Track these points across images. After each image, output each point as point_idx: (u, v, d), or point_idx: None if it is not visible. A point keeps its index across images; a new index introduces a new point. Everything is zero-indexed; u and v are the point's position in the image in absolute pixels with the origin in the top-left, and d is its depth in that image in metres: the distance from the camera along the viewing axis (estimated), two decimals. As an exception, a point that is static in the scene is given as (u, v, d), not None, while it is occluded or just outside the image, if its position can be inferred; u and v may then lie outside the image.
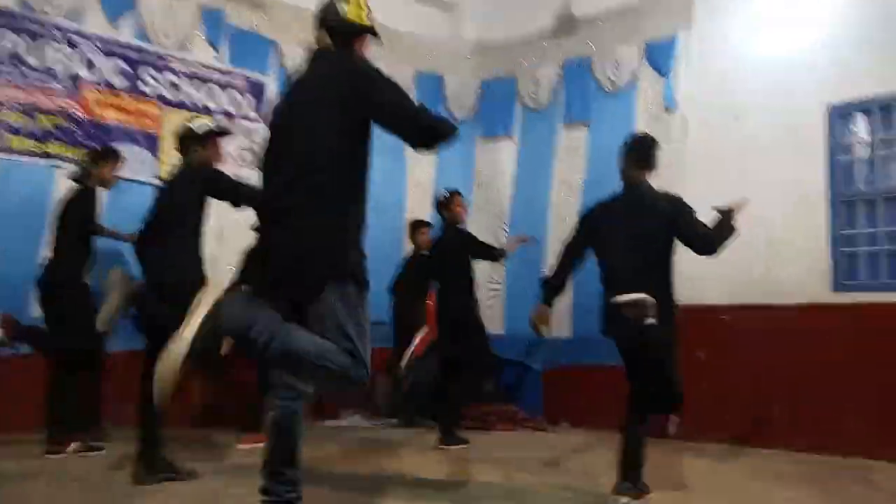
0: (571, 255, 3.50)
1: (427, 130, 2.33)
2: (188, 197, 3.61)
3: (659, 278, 3.17)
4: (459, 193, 5.13)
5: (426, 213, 6.46)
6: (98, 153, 4.53)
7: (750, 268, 5.00)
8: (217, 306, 2.09)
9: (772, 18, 5.26)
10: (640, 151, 3.37)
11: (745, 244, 4.79)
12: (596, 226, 3.41)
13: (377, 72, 2.34)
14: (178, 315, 2.11)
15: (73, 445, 4.05)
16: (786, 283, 4.89)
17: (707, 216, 3.22)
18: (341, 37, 2.44)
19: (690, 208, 3.23)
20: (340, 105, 2.26)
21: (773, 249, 4.97)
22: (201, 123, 3.83)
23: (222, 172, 3.78)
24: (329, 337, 2.20)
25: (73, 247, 4.23)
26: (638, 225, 3.22)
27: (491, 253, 5.17)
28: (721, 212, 3.20)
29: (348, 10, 2.44)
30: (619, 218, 3.30)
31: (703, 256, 3.20)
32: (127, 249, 4.55)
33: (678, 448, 4.54)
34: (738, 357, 4.94)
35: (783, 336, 4.78)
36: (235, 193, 3.71)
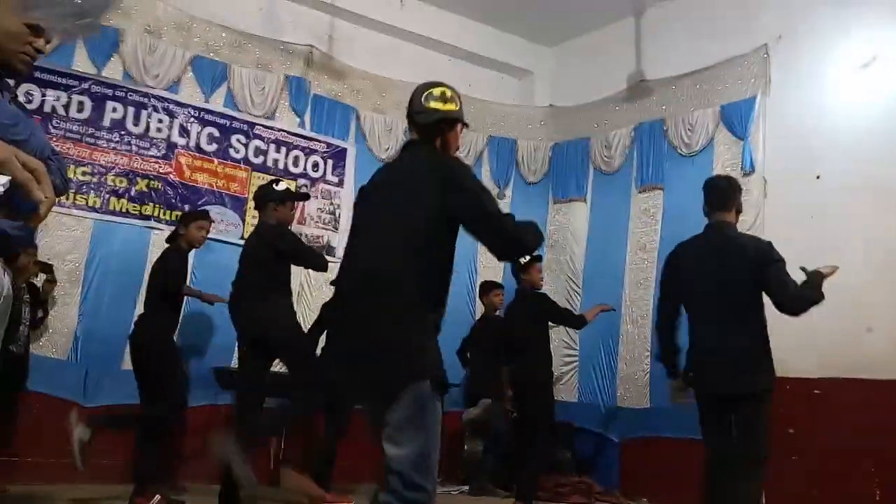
0: (668, 312, 3.40)
1: (510, 243, 2.29)
2: (266, 253, 3.81)
3: (750, 327, 3.07)
4: (539, 259, 5.12)
5: (497, 274, 6.48)
6: (187, 214, 4.72)
7: (838, 336, 4.75)
8: None
9: (853, 79, 5.15)
10: (717, 191, 3.33)
11: (831, 310, 4.61)
12: (679, 267, 3.34)
13: (467, 169, 2.34)
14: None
15: (155, 499, 4.14)
16: (881, 354, 4.61)
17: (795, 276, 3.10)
18: (426, 129, 2.39)
19: (781, 257, 3.10)
20: (425, 199, 2.21)
21: (860, 316, 4.71)
22: (283, 184, 4.08)
23: (291, 233, 4.00)
24: (393, 455, 2.04)
25: (161, 307, 4.36)
26: (721, 266, 3.13)
27: (574, 321, 5.12)
28: (809, 273, 3.07)
29: (432, 102, 2.40)
30: (701, 260, 3.23)
31: (787, 315, 3.08)
32: (215, 311, 4.76)
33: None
34: (833, 434, 4.64)
35: (881, 412, 4.48)
36: (300, 254, 3.94)
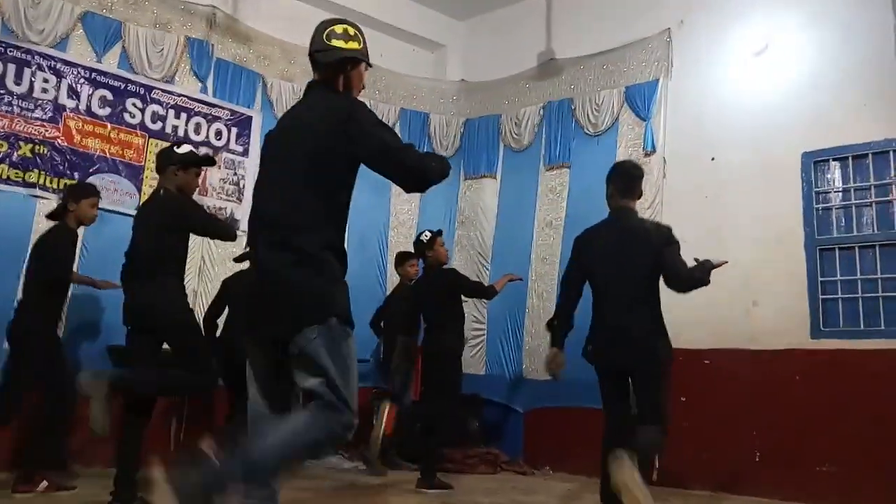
0: (570, 289, 3.52)
1: (413, 171, 2.22)
2: (163, 223, 3.53)
3: (649, 307, 3.27)
4: (440, 233, 5.13)
5: (408, 248, 6.47)
6: (75, 188, 4.36)
7: (729, 310, 5.05)
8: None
9: (749, 65, 5.42)
10: (625, 179, 3.46)
11: (722, 285, 4.88)
12: (586, 251, 3.47)
13: (363, 106, 2.28)
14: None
15: (42, 484, 3.91)
16: (765, 328, 4.94)
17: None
18: (327, 68, 2.34)
19: (677, 242, 3.32)
20: (324, 139, 2.20)
21: (750, 291, 5.02)
22: (185, 147, 3.74)
23: (194, 202, 3.73)
24: (307, 386, 2.08)
25: (45, 293, 4.04)
26: (626, 251, 3.30)
27: (483, 291, 5.20)
28: (701, 262, 3.26)
29: (334, 41, 2.34)
30: (607, 244, 3.38)
31: (674, 292, 3.31)
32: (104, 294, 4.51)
33: (660, 494, 4.51)
34: (721, 402, 4.95)
35: (764, 381, 4.82)
36: (208, 224, 3.71)
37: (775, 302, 4.95)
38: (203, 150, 5.72)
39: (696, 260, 3.26)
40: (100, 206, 4.36)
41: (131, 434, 3.47)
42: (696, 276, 3.22)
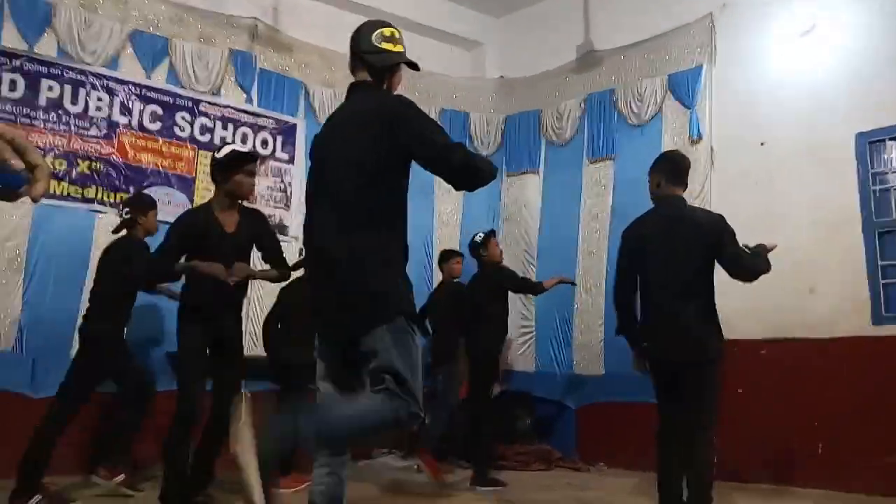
0: (625, 283, 3.44)
1: (462, 170, 2.23)
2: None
3: (702, 299, 3.18)
4: (494, 233, 5.18)
5: (454, 245, 6.50)
6: (139, 202, 4.41)
7: (785, 299, 4.92)
8: (260, 455, 1.94)
9: (796, 46, 5.27)
10: (674, 165, 3.39)
11: (775, 274, 4.76)
12: (635, 243, 3.38)
13: (413, 106, 2.30)
14: None
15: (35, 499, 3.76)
16: (823, 315, 4.80)
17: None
18: (380, 70, 2.39)
19: (732, 230, 3.22)
20: (375, 139, 2.22)
21: (803, 278, 4.88)
22: (226, 148, 3.56)
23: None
24: (380, 378, 2.14)
25: (120, 301, 4.15)
26: (676, 241, 3.21)
27: (532, 287, 5.22)
28: (753, 248, 3.19)
29: (384, 44, 2.40)
30: (656, 235, 3.29)
31: (740, 282, 3.21)
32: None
33: (721, 489, 4.43)
34: (780, 393, 4.83)
35: (825, 370, 4.69)
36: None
37: (833, 288, 4.81)
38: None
39: (747, 247, 3.18)
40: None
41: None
42: (759, 265, 3.14)
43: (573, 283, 5.47)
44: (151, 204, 4.40)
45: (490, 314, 4.96)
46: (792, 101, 5.21)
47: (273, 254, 3.72)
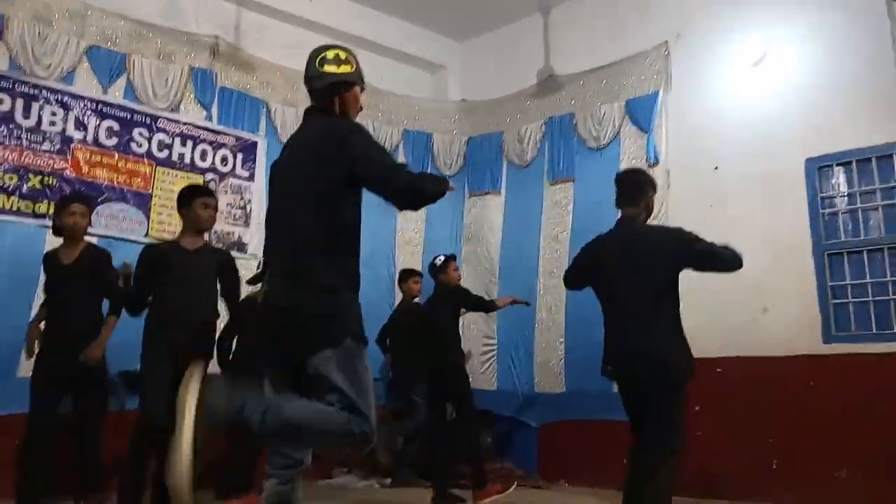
0: (575, 278, 3.55)
1: (404, 191, 2.24)
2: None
3: (665, 319, 3.13)
4: (454, 258, 5.22)
5: (416, 266, 6.50)
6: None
7: (739, 317, 5.04)
8: (202, 401, 1.97)
9: (747, 75, 5.46)
10: (621, 186, 3.41)
11: (732, 293, 4.89)
12: (595, 258, 3.38)
13: (358, 128, 2.31)
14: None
15: None
16: (776, 334, 4.92)
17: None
18: (322, 93, 2.41)
19: (695, 235, 3.23)
20: (323, 162, 2.24)
21: (760, 298, 5.01)
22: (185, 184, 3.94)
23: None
24: (328, 398, 2.13)
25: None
26: (633, 259, 3.18)
27: (484, 305, 5.26)
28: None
29: (326, 66, 2.40)
30: (614, 256, 3.26)
31: (730, 272, 3.21)
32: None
33: (677, 501, 4.47)
34: (735, 410, 4.92)
35: (778, 387, 4.79)
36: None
37: (785, 308, 4.94)
38: (209, 177, 5.78)
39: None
40: (108, 234, 4.43)
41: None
42: (733, 252, 3.16)
43: (527, 304, 5.50)
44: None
45: (452, 332, 4.99)
46: (744, 127, 5.38)
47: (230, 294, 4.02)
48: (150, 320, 3.79)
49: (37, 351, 4.05)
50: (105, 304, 4.13)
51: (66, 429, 4.01)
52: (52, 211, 5.02)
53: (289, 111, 6.31)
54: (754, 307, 5.03)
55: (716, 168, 5.48)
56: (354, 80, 2.45)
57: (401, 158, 6.90)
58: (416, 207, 2.37)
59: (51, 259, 4.14)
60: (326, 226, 2.24)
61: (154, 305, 3.83)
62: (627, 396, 3.25)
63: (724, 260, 3.17)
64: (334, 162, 2.23)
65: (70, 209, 4.12)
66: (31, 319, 4.23)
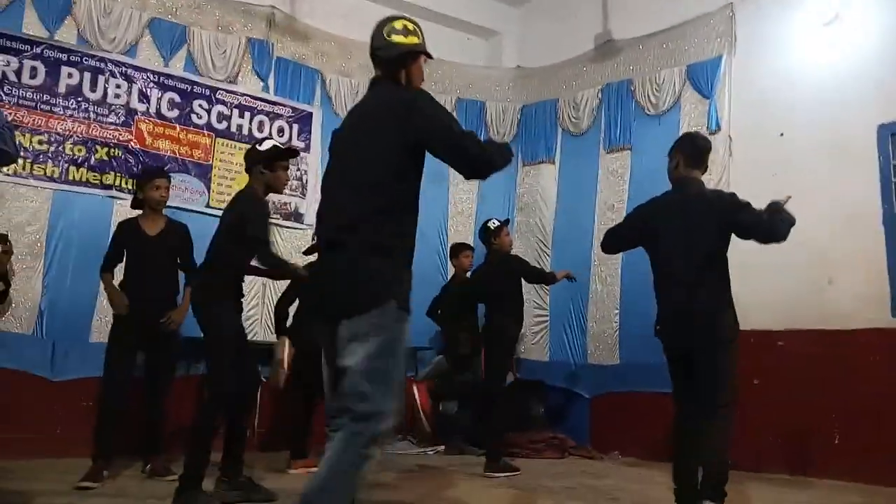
0: (615, 242, 3.56)
1: (476, 159, 2.25)
2: (230, 229, 3.52)
3: (714, 281, 3.13)
4: (507, 223, 5.23)
5: (468, 237, 6.52)
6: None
7: (801, 290, 4.89)
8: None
9: (818, 36, 5.20)
10: (693, 147, 3.36)
11: (793, 264, 4.74)
12: (648, 222, 3.36)
13: (427, 98, 2.32)
14: None
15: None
16: (841, 307, 4.76)
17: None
18: (389, 63, 2.41)
19: (746, 201, 3.18)
20: (390, 132, 2.25)
21: (824, 270, 4.85)
22: (268, 143, 3.69)
23: (260, 216, 3.49)
24: (347, 364, 2.12)
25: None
26: (689, 220, 3.18)
27: (544, 277, 5.26)
28: (769, 204, 3.14)
29: (394, 36, 2.41)
30: (670, 217, 3.26)
31: (774, 243, 3.13)
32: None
33: (736, 478, 4.41)
34: (796, 384, 4.81)
35: (841, 362, 4.65)
36: (260, 250, 3.47)
37: (851, 281, 4.76)
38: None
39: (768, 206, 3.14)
40: (171, 204, 4.56)
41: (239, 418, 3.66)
42: (785, 218, 3.07)
43: (575, 280, 5.43)
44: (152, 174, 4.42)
45: (506, 300, 4.96)
46: (812, 92, 5.15)
47: None
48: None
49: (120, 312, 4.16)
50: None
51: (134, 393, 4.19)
52: (118, 182, 5.23)
53: (343, 81, 6.35)
54: (819, 279, 4.86)
55: (781, 134, 5.28)
56: (421, 51, 2.45)
57: (454, 128, 6.88)
58: (484, 176, 2.38)
59: (133, 229, 4.22)
60: (388, 192, 2.23)
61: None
62: (674, 358, 3.24)
63: (765, 231, 3.11)
64: (402, 129, 2.24)
65: (155, 183, 4.26)
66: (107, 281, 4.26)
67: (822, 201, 4.89)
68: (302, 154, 6.15)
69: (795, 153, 5.16)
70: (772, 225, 3.09)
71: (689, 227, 3.16)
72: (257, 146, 3.68)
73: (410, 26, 2.45)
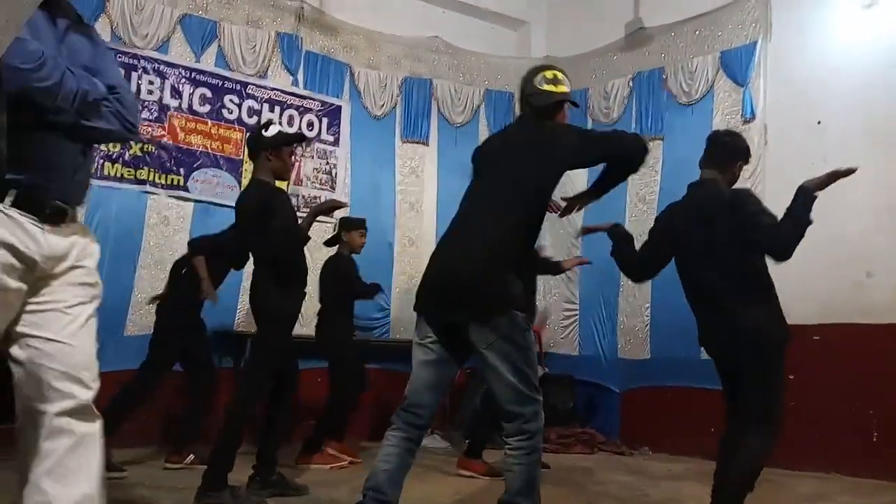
0: (645, 256, 3.24)
1: (630, 157, 2.60)
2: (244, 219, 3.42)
3: (748, 286, 2.86)
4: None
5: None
6: (348, 221, 4.89)
7: (839, 283, 4.77)
8: None
9: (857, 20, 5.04)
10: (708, 145, 3.10)
11: (831, 257, 4.62)
12: (665, 232, 3.12)
13: (568, 128, 2.62)
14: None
15: (190, 457, 4.20)
16: (881, 300, 4.63)
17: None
18: (540, 110, 2.63)
19: (754, 200, 2.89)
20: (539, 159, 2.49)
21: (862, 263, 4.72)
22: (273, 128, 3.50)
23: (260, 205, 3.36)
24: (502, 372, 2.34)
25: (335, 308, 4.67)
26: (706, 233, 2.91)
27: (551, 267, 5.17)
28: (802, 189, 2.83)
29: (546, 86, 2.64)
30: (686, 226, 3.00)
31: (777, 260, 2.83)
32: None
33: (770, 476, 4.33)
34: (833, 380, 4.69)
35: (880, 357, 4.53)
36: (244, 237, 3.46)
37: (891, 274, 4.62)
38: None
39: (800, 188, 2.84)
40: (202, 199, 4.63)
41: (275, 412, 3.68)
42: (793, 224, 2.73)
43: (589, 263, 5.31)
44: (358, 224, 4.83)
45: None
46: (851, 79, 5.00)
47: None
48: None
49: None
50: None
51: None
52: (152, 177, 5.31)
53: (371, 74, 6.35)
54: (857, 272, 4.74)
55: (818, 123, 5.14)
56: (568, 99, 2.69)
57: (482, 119, 6.84)
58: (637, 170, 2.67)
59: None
60: (521, 215, 2.47)
61: None
62: (718, 368, 3.07)
63: (769, 236, 2.78)
64: (550, 158, 2.49)
65: (361, 231, 4.83)
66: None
67: (861, 192, 4.72)
68: (331, 148, 6.18)
69: (833, 142, 5.01)
70: (774, 237, 2.76)
71: (708, 238, 2.90)
72: (263, 131, 3.49)
73: (560, 76, 2.67)
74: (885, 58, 4.85)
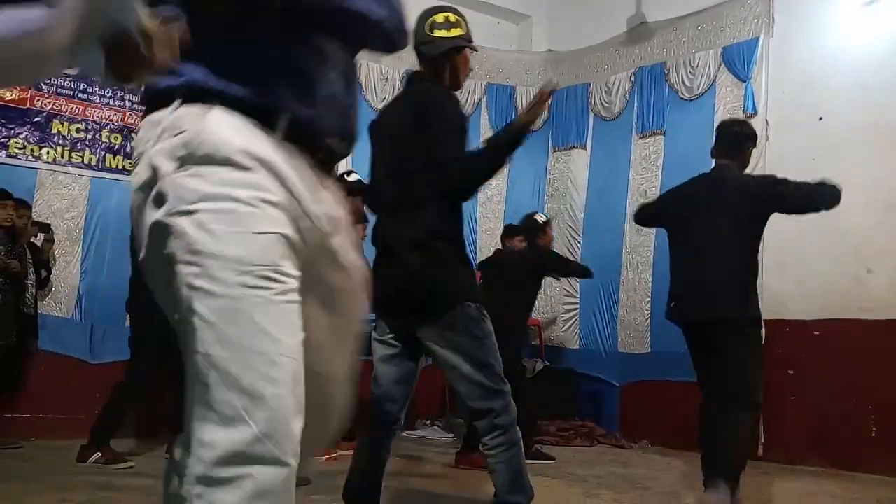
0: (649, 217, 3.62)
1: (453, 187, 2.26)
2: None
3: (739, 258, 3.02)
4: (549, 222, 5.07)
5: (497, 223, 6.48)
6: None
7: (839, 279, 4.78)
8: None
9: (859, 16, 5.04)
10: (721, 136, 3.29)
11: (831, 253, 4.63)
12: (678, 200, 3.33)
13: (443, 105, 2.30)
14: None
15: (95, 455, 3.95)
16: (881, 297, 4.64)
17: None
18: (433, 60, 2.38)
19: (782, 178, 3.10)
20: (415, 134, 2.29)
21: (862, 259, 4.73)
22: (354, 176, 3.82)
23: None
24: (461, 370, 2.24)
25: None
26: (715, 203, 3.08)
27: (580, 271, 5.15)
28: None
29: (437, 31, 2.36)
30: (695, 195, 3.19)
31: (806, 214, 3.08)
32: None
33: (769, 470, 4.37)
34: (832, 375, 4.71)
35: (880, 353, 4.54)
36: None
37: (891, 270, 4.64)
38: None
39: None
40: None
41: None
42: (826, 187, 3.01)
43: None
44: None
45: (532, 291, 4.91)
46: (853, 75, 4.99)
47: None
48: None
49: None
50: None
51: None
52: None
53: (373, 67, 6.35)
54: (858, 268, 4.74)
55: (820, 119, 5.14)
56: (465, 44, 2.40)
57: (483, 113, 6.83)
58: (463, 197, 2.37)
59: None
60: (424, 191, 2.27)
61: None
62: (689, 341, 3.15)
63: (802, 198, 3.03)
64: (415, 134, 2.28)
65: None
66: None
67: (862, 188, 4.72)
68: (332, 140, 6.18)
69: (835, 138, 5.02)
70: (810, 193, 2.99)
71: (715, 206, 3.07)
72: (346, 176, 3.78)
73: (453, 18, 2.38)
74: (886, 54, 4.85)
